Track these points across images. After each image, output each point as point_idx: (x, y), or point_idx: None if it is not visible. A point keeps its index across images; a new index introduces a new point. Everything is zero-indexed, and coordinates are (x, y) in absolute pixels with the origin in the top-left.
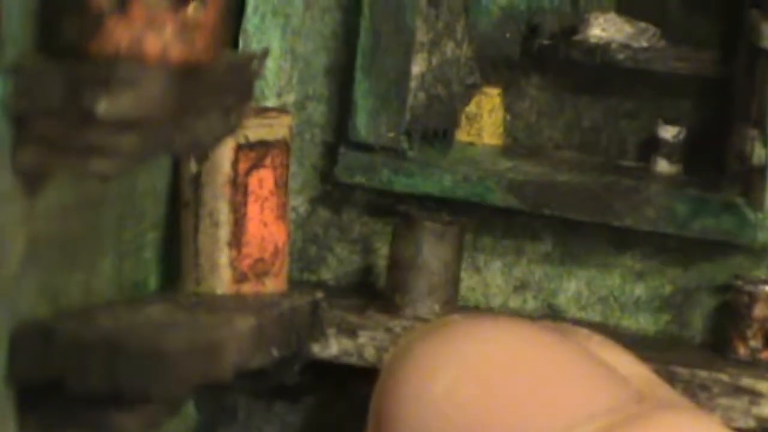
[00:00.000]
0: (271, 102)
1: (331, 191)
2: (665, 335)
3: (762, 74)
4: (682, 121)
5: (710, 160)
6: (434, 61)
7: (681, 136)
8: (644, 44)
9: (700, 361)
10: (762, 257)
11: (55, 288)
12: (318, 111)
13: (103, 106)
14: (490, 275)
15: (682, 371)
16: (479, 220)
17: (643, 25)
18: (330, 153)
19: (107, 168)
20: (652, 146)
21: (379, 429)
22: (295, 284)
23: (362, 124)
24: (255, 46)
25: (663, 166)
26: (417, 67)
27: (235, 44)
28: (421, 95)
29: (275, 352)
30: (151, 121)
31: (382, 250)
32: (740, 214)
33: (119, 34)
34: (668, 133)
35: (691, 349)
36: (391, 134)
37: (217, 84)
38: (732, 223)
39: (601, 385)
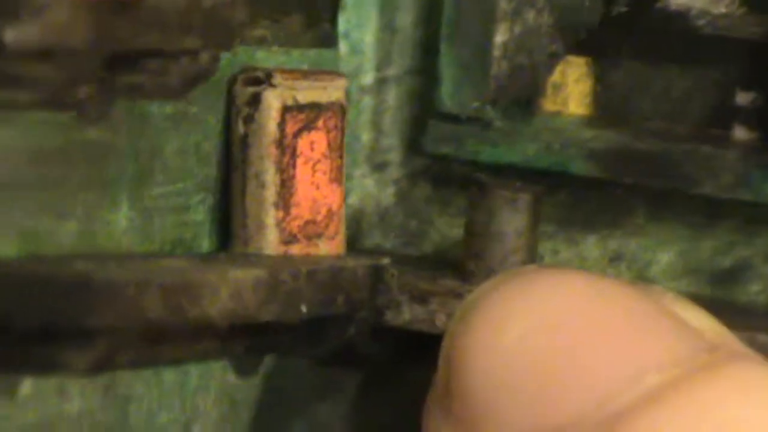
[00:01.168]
0: (369, 76)
1: (430, 165)
2: (755, 305)
3: None
4: (759, 87)
5: None
6: (516, 30)
7: (758, 102)
8: (723, 10)
9: None
10: None
11: (27, 233)
12: (416, 83)
13: (10, 36)
14: (585, 248)
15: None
16: (572, 192)
17: None
18: (422, 125)
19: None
20: (728, 115)
21: (449, 378)
22: (361, 252)
23: (447, 95)
24: (353, 21)
25: (741, 132)
26: (500, 37)
27: (334, 21)
28: (505, 65)
29: (304, 308)
30: (65, 51)
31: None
32: None
33: None
34: (745, 99)
35: None
36: (476, 104)
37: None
38: None
39: (672, 336)
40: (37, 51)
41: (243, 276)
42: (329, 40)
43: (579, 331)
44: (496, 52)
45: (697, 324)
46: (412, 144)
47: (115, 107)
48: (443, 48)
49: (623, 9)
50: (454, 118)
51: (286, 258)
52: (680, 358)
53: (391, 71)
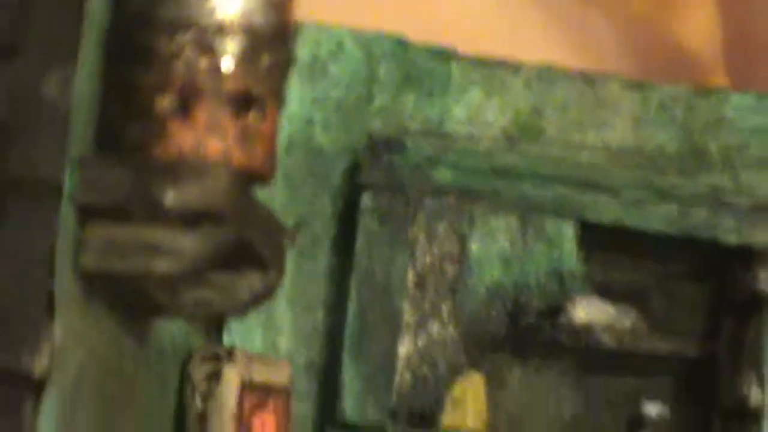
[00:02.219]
0: None
1: None
2: None
3: (756, 321)
4: (665, 399)
5: None
6: (420, 342)
7: (665, 414)
8: (627, 325)
9: None
10: None
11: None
12: (301, 408)
13: (170, 198)
14: None
15: None
16: None
17: (624, 307)
18: None
19: (169, 268)
20: (636, 426)
21: None
22: None
23: (349, 406)
24: (238, 342)
25: None
26: (403, 349)
27: (220, 338)
28: (408, 376)
29: None
30: (215, 217)
31: None
32: None
33: (182, 137)
34: (652, 411)
35: None
36: (378, 415)
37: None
38: None
39: None
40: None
41: None
42: None
43: None
44: (400, 364)
45: None
46: None
47: None
48: (346, 360)
49: (530, 321)
50: (354, 429)
51: None
52: None
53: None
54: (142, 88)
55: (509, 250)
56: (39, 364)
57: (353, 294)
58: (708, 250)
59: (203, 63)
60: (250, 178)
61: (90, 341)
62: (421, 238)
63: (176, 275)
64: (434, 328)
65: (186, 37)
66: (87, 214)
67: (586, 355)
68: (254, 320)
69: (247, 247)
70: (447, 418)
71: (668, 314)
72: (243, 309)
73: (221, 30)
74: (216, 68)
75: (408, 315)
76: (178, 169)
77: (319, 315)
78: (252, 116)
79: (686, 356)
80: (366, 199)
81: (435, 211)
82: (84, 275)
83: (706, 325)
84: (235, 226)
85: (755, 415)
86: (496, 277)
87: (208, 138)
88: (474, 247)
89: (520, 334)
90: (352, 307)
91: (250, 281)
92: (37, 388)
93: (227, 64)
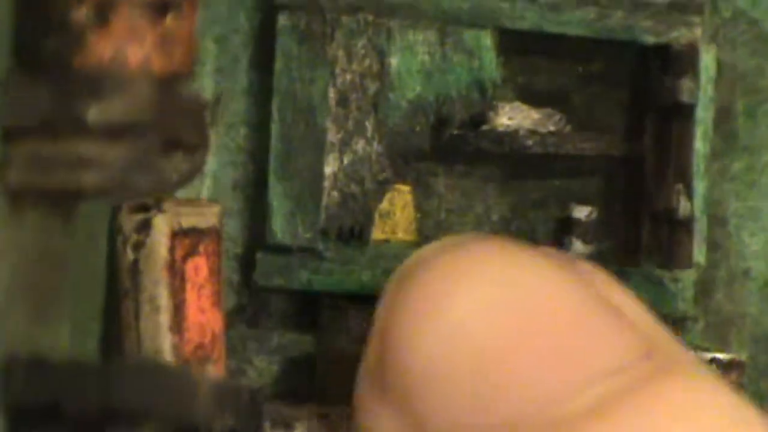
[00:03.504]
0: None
1: (246, 305)
2: None
3: (679, 132)
4: (593, 200)
5: (624, 236)
6: (346, 159)
7: (593, 216)
8: (551, 128)
9: None
10: (681, 328)
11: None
12: (230, 225)
13: (93, 113)
14: None
15: None
16: None
17: (548, 110)
18: (244, 266)
19: (95, 180)
20: (564, 229)
21: (383, 352)
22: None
23: (278, 227)
24: None
25: (578, 246)
26: (329, 167)
27: None
28: (335, 194)
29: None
30: (139, 128)
31: (302, 356)
32: (660, 285)
33: (101, 48)
34: (581, 213)
35: None
36: (308, 235)
37: (188, 104)
38: (652, 294)
39: (615, 337)
40: (117, 129)
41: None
42: None
43: (524, 323)
44: (326, 183)
45: (630, 314)
46: (231, 285)
47: None
48: (272, 181)
49: (454, 132)
50: (284, 250)
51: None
52: (623, 365)
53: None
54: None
55: (429, 63)
56: None
57: (275, 115)
58: (627, 51)
59: None
60: (172, 80)
61: (19, 251)
62: (341, 56)
63: (105, 186)
64: (359, 144)
65: None
66: (11, 133)
67: (512, 160)
68: None
69: (174, 142)
70: (377, 232)
71: (591, 115)
72: (171, 190)
73: None
74: None
75: (332, 134)
76: (99, 82)
77: (242, 132)
78: (170, 19)
79: (612, 156)
80: (283, 20)
81: (353, 29)
82: (10, 191)
83: (630, 125)
84: (160, 129)
85: (684, 223)
86: (417, 90)
87: (127, 46)
88: (394, 62)
89: (444, 145)
90: (275, 128)
91: (176, 164)
92: None
93: None
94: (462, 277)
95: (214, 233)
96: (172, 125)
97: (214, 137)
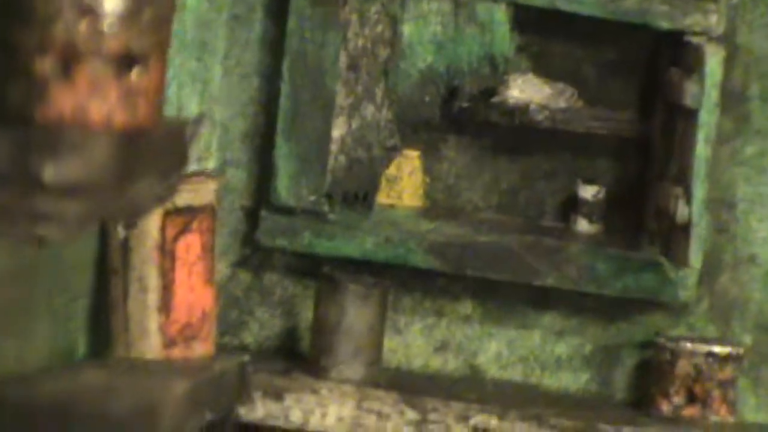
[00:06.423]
0: (190, 168)
1: (250, 256)
2: (586, 393)
3: (683, 133)
4: (600, 180)
5: (629, 219)
6: (354, 124)
7: (600, 195)
8: (562, 105)
9: (625, 418)
10: (682, 315)
11: None
12: (237, 176)
13: (49, 172)
14: (410, 337)
15: (608, 428)
16: (399, 282)
17: (560, 85)
18: (250, 218)
19: (54, 234)
20: (571, 206)
21: None
22: (219, 348)
23: (283, 188)
24: (174, 113)
25: (583, 225)
26: (337, 131)
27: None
28: (342, 158)
29: (209, 415)
30: (97, 187)
31: (303, 313)
32: (662, 273)
33: (63, 101)
34: (587, 192)
35: (614, 407)
36: (312, 197)
37: (155, 149)
38: (653, 281)
39: None
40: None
41: (179, 390)
42: None
43: None
44: (334, 147)
45: None
46: (236, 236)
47: None
48: (279, 141)
49: (465, 104)
50: (288, 211)
51: (176, 362)
52: None
53: (211, 163)
54: (22, 49)
55: (441, 34)
56: None
57: (285, 75)
58: (641, 36)
59: (83, 24)
60: (134, 135)
61: None
62: (354, 20)
63: (65, 237)
64: (368, 110)
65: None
66: None
67: (522, 133)
68: (189, 89)
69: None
70: (383, 196)
71: (605, 96)
72: (144, 213)
73: None
74: (96, 29)
75: (341, 98)
76: (58, 137)
77: (255, 83)
78: (135, 73)
79: (623, 138)
80: None
81: None
82: None
83: (642, 108)
84: (119, 187)
85: (682, 227)
86: (428, 61)
87: (90, 101)
88: (406, 30)
89: (454, 116)
90: (284, 88)
91: (150, 186)
92: None
93: (107, 24)
94: None
95: (210, 210)
96: (132, 178)
97: (228, 88)
